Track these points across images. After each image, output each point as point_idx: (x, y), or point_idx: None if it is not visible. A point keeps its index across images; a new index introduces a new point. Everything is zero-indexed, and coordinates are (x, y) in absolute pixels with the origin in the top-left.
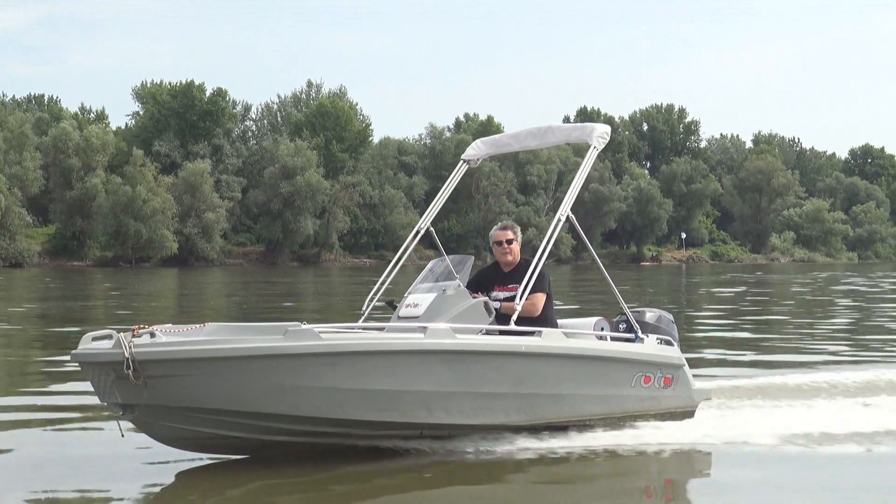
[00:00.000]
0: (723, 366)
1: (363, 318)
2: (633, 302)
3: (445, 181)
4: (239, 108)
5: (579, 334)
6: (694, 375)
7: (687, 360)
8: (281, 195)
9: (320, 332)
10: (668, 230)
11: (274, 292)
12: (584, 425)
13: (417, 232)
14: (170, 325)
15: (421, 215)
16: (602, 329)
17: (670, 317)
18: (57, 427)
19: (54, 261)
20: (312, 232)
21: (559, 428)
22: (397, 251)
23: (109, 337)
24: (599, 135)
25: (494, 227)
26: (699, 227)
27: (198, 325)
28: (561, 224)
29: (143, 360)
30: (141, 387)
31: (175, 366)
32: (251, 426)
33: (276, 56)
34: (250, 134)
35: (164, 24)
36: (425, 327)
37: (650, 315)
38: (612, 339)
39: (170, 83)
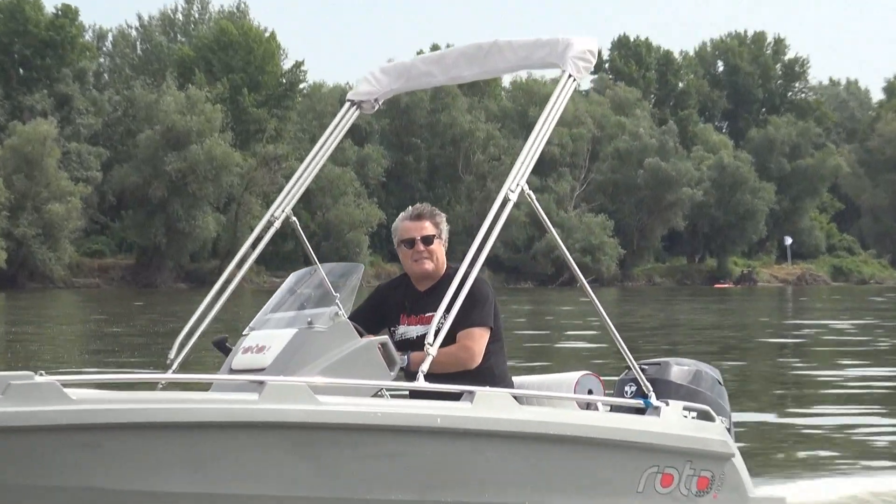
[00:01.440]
0: (815, 458)
1: (171, 370)
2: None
3: (416, 150)
4: (90, 35)
5: (546, 399)
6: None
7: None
8: (165, 174)
9: (72, 392)
10: (765, 233)
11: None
12: None
13: (270, 223)
14: None
15: (380, 207)
16: (589, 392)
17: (716, 374)
18: None
19: None
20: (214, 234)
21: None
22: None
23: None
24: (577, 55)
25: (401, 216)
26: (811, 227)
27: None
28: (510, 205)
29: None
30: None
31: None
32: None
33: None
34: (107, 78)
35: None
36: (262, 382)
37: (678, 370)
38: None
39: None
